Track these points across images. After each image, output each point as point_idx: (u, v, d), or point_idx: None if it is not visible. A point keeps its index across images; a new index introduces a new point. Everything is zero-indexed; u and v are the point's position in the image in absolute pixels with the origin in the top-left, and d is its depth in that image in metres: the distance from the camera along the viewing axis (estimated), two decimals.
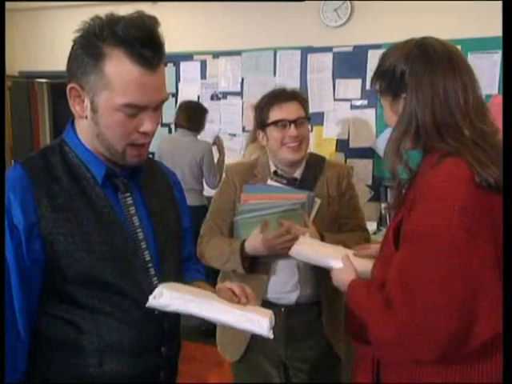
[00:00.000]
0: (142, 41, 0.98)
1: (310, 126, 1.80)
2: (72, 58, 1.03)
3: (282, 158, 1.74)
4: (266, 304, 1.73)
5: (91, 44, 0.99)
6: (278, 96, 1.73)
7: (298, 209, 1.62)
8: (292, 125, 1.68)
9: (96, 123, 1.04)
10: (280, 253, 1.59)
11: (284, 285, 1.73)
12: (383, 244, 1.19)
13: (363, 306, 1.10)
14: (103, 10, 1.04)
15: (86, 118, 1.05)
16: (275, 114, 1.71)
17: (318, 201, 1.69)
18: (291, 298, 1.73)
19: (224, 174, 1.89)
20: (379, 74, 1.16)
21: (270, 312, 1.08)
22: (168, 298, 1.02)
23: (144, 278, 1.12)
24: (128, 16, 1.00)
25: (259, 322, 1.02)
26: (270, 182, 1.65)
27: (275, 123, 1.70)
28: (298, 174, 1.77)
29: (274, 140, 1.72)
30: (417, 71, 1.08)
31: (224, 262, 1.71)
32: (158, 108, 1.08)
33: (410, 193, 1.10)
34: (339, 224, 1.78)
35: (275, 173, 1.78)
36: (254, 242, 1.63)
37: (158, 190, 1.25)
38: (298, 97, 1.75)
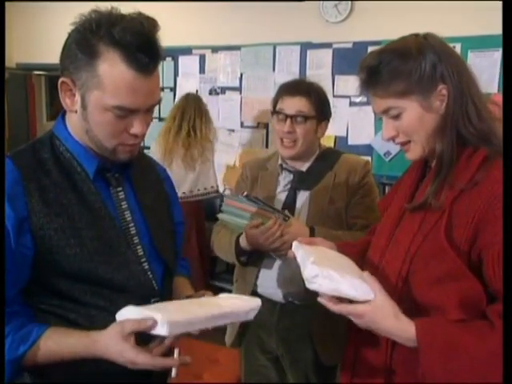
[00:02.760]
0: (138, 46, 0.96)
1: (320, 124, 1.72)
2: (66, 52, 1.01)
3: (279, 151, 1.75)
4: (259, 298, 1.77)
5: (87, 41, 0.97)
6: (288, 88, 1.72)
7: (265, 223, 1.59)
8: (288, 120, 1.66)
9: (85, 119, 1.03)
10: (269, 249, 1.61)
11: (273, 280, 1.72)
12: (421, 259, 1.04)
13: (480, 353, 0.93)
14: (102, 3, 1.03)
15: (76, 112, 1.04)
16: (279, 105, 1.71)
17: (290, 219, 1.62)
18: (279, 294, 1.72)
19: (242, 169, 1.93)
20: (392, 75, 1.04)
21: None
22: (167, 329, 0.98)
23: (138, 273, 1.11)
24: (127, 18, 0.98)
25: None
26: (241, 196, 1.61)
27: (276, 114, 1.70)
28: (305, 167, 1.75)
29: (274, 131, 1.74)
30: (449, 59, 1.04)
31: (225, 254, 1.76)
32: (149, 110, 1.07)
33: (460, 197, 1.01)
34: (348, 224, 1.69)
35: (281, 166, 1.77)
36: (246, 238, 1.65)
37: (149, 184, 1.25)
38: (308, 91, 1.68)
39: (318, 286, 1.04)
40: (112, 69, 0.96)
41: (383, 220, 1.25)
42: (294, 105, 1.66)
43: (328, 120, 1.77)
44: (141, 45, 0.96)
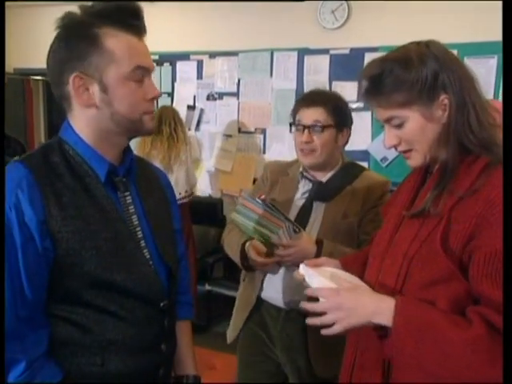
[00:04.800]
0: (129, 12, 1.04)
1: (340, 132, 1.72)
2: (62, 51, 1.04)
3: (300, 160, 1.77)
4: (263, 303, 1.77)
5: (83, 30, 1.02)
6: (305, 99, 1.75)
7: (275, 232, 1.60)
8: (306, 130, 1.67)
9: (108, 104, 1.04)
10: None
11: (278, 285, 1.72)
12: (418, 263, 1.04)
13: (458, 342, 0.93)
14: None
15: (95, 106, 1.05)
16: (297, 116, 1.73)
17: (301, 232, 1.62)
18: (281, 300, 1.71)
19: (263, 170, 1.94)
20: (395, 85, 1.03)
21: None
22: None
23: (149, 275, 1.13)
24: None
25: None
26: (258, 199, 1.62)
27: (295, 125, 1.73)
28: (325, 178, 1.75)
29: (295, 143, 1.75)
30: (451, 67, 1.03)
31: (233, 255, 1.77)
32: (151, 76, 1.13)
33: (459, 204, 1.01)
34: (359, 240, 1.69)
35: (301, 174, 1.78)
36: (249, 246, 1.66)
37: (151, 189, 1.25)
38: (325, 101, 1.69)
39: None
40: (117, 40, 1.03)
41: (384, 225, 1.25)
42: (311, 115, 1.68)
43: (349, 127, 1.76)
44: (130, 11, 1.05)
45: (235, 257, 1.75)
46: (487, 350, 0.91)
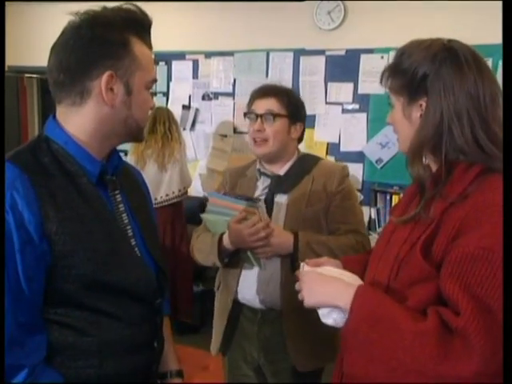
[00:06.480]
0: (146, 28, 1.11)
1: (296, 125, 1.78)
2: (95, 47, 1.03)
3: (253, 151, 1.78)
4: (239, 307, 1.77)
5: (117, 32, 1.04)
6: (259, 91, 1.78)
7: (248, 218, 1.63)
8: (258, 119, 1.71)
9: (128, 107, 1.07)
10: (254, 245, 1.63)
11: (253, 286, 1.72)
12: (406, 266, 1.05)
13: (415, 339, 0.92)
14: (93, 5, 1.04)
15: (113, 106, 1.05)
16: (252, 107, 1.77)
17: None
18: (257, 300, 1.71)
19: (223, 176, 1.96)
20: (395, 70, 1.08)
21: None
22: None
23: (144, 274, 1.13)
24: (125, 6, 1.07)
25: None
26: (225, 195, 1.69)
27: (248, 115, 1.77)
28: (282, 171, 1.77)
29: (248, 135, 1.79)
30: (444, 75, 1.02)
31: (206, 255, 1.75)
32: None
33: (450, 209, 1.01)
34: (330, 229, 1.71)
35: (258, 171, 1.79)
36: (229, 234, 1.66)
37: (133, 187, 1.26)
38: (278, 92, 1.74)
39: (333, 321, 1.06)
40: (141, 49, 1.08)
41: (385, 227, 1.27)
42: (264, 105, 1.72)
43: (303, 122, 1.80)
44: (147, 27, 1.11)
45: (210, 256, 1.72)
46: (435, 346, 0.91)
